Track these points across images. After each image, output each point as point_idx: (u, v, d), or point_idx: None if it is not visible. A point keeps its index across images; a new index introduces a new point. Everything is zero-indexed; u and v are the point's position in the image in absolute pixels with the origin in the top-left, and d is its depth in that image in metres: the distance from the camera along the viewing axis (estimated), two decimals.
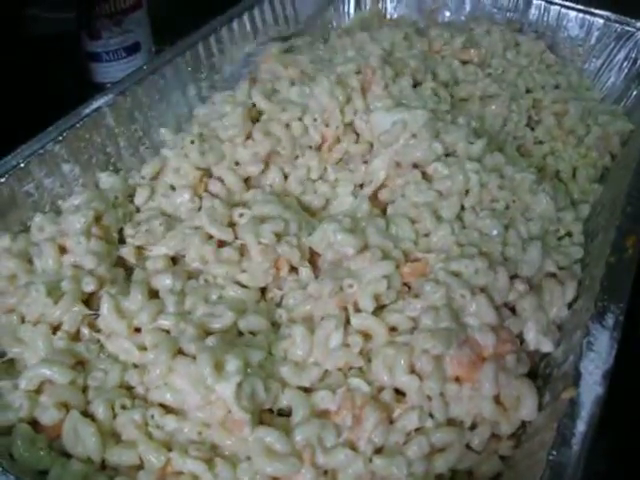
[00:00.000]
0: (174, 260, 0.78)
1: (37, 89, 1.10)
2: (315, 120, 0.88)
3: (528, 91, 1.01)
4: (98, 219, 0.76)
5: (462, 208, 0.79)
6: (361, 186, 0.86)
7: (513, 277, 0.72)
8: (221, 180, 0.84)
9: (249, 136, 0.87)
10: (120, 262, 0.78)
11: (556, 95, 1.00)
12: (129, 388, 0.67)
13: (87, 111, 0.85)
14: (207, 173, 0.85)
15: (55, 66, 1.17)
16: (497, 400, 0.64)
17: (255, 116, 0.90)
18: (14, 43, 1.14)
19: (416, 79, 0.95)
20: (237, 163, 0.86)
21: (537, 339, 0.69)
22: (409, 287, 0.73)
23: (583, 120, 0.98)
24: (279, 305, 0.74)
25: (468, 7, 1.18)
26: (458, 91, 0.99)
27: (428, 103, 0.90)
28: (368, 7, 1.26)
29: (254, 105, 0.90)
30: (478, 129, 0.89)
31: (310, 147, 0.88)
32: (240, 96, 0.92)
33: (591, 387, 0.59)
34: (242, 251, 0.76)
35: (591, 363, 0.61)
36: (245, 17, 1.05)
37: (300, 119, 0.88)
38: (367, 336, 0.68)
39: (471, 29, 1.10)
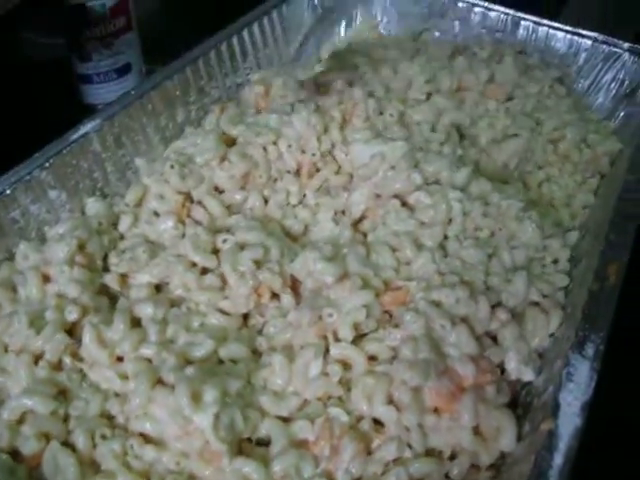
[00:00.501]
0: (158, 287, 0.78)
1: (30, 113, 1.10)
2: (290, 146, 0.88)
3: (537, 123, 0.99)
4: (82, 247, 0.77)
5: (445, 237, 0.79)
6: (343, 212, 0.86)
7: (495, 306, 0.72)
8: (203, 205, 0.85)
9: (224, 158, 0.88)
10: (104, 290, 0.78)
11: (557, 122, 0.99)
12: (110, 417, 0.67)
13: (74, 137, 0.85)
14: (189, 198, 0.85)
15: (49, 90, 1.17)
16: (476, 431, 0.64)
17: (231, 141, 0.91)
18: (8, 68, 1.14)
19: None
20: (216, 188, 0.87)
21: (518, 369, 0.69)
22: (390, 315, 0.73)
23: (578, 145, 0.97)
24: (260, 332, 0.75)
25: (457, 27, 1.18)
26: (475, 133, 0.98)
27: (414, 136, 0.90)
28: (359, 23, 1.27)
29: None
30: (464, 157, 0.90)
31: (288, 172, 0.89)
32: (208, 125, 0.95)
33: (570, 418, 0.59)
34: (224, 278, 0.76)
35: (570, 394, 0.60)
36: (234, 40, 1.05)
37: (274, 143, 0.89)
38: (347, 365, 0.68)
39: (474, 53, 1.10)
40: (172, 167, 0.84)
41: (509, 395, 0.68)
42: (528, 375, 0.69)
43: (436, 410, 0.65)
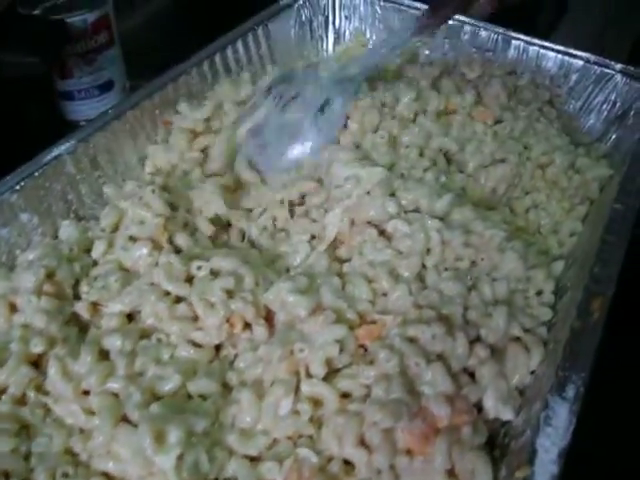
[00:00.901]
0: (131, 317, 0.76)
1: (9, 130, 1.08)
2: None
3: (525, 147, 0.97)
4: (51, 275, 0.74)
5: (424, 267, 0.77)
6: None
7: (474, 341, 0.70)
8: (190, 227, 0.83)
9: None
10: (75, 318, 0.76)
11: (545, 147, 0.96)
12: (74, 455, 0.65)
13: (47, 159, 0.83)
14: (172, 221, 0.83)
15: (27, 107, 1.15)
16: (451, 473, 0.62)
17: None
18: None
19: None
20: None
21: (496, 407, 0.66)
22: (365, 349, 0.70)
23: (567, 170, 0.95)
24: (232, 365, 0.72)
25: (447, 45, 1.16)
26: (463, 158, 0.95)
27: (400, 160, 0.88)
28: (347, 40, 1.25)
29: None
30: (448, 184, 0.88)
31: None
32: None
33: (546, 466, 0.56)
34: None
35: (547, 439, 0.58)
36: (217, 58, 1.03)
37: None
38: (318, 403, 0.66)
39: (462, 73, 1.08)
40: (153, 192, 0.82)
41: (486, 435, 0.65)
42: (507, 414, 0.66)
43: (409, 451, 0.63)
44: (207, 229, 0.83)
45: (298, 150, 0.93)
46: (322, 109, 0.94)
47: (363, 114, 0.93)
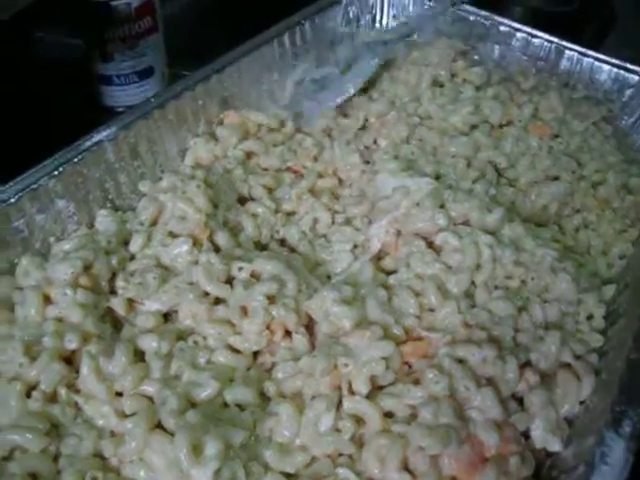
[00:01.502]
0: (167, 316, 0.73)
1: (45, 114, 1.05)
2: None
3: (579, 164, 0.94)
4: (88, 267, 0.72)
5: (473, 284, 0.74)
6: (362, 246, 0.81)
7: (523, 366, 0.67)
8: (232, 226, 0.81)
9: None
10: (109, 314, 0.73)
11: (599, 164, 0.93)
12: (104, 459, 0.62)
13: (87, 145, 0.81)
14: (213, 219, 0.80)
15: (65, 90, 1.12)
16: None
17: None
18: (21, 67, 1.10)
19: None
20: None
21: (544, 437, 0.64)
22: (409, 366, 0.68)
23: (619, 190, 0.92)
24: (269, 372, 0.69)
25: (497, 52, 1.13)
26: (514, 172, 0.93)
27: (446, 170, 0.85)
28: None
29: None
30: (498, 197, 0.85)
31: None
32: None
33: None
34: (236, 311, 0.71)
35: (603, 478, 0.55)
36: (265, 50, 1.00)
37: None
38: (360, 421, 0.63)
39: (517, 83, 1.05)
40: (198, 187, 0.79)
41: (534, 467, 0.62)
42: (555, 445, 0.64)
43: (453, 479, 0.60)
44: (253, 231, 0.81)
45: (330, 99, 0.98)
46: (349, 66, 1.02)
47: (391, 127, 0.92)
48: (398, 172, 0.82)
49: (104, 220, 0.80)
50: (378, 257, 0.79)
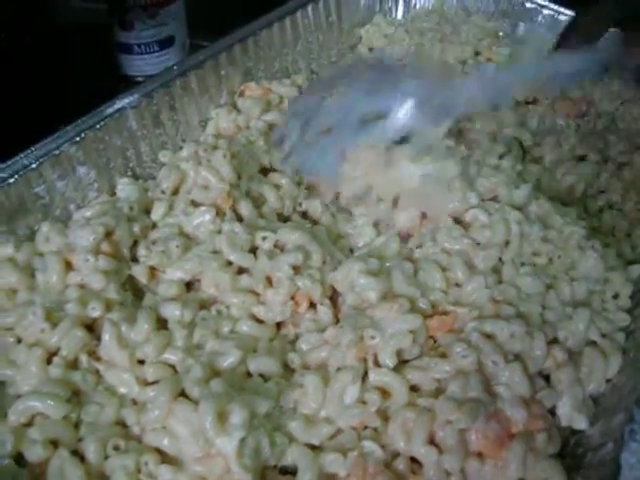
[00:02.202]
0: (189, 285, 0.73)
1: (65, 78, 1.04)
2: None
3: (605, 143, 0.92)
4: (109, 234, 0.71)
5: (500, 260, 0.73)
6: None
7: (551, 343, 0.66)
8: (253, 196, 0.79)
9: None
10: (131, 282, 0.72)
11: (626, 145, 0.92)
12: (125, 426, 0.61)
13: (109, 111, 0.80)
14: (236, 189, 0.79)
15: (85, 56, 1.11)
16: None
17: None
18: (43, 30, 1.08)
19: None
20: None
21: (571, 415, 0.63)
22: (434, 340, 0.67)
23: None
24: (293, 344, 0.69)
25: (522, 30, 1.11)
26: (539, 150, 0.91)
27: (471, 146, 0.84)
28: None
29: None
30: (524, 173, 0.83)
31: None
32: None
33: None
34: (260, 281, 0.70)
35: (633, 456, 0.54)
36: (287, 21, 0.99)
37: None
38: (385, 393, 0.62)
39: None
40: (224, 157, 0.78)
41: (560, 444, 0.62)
42: (582, 424, 0.63)
43: (480, 455, 0.59)
44: (276, 202, 0.80)
45: None
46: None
47: None
48: (420, 158, 0.80)
49: (125, 188, 0.79)
50: (402, 237, 0.78)
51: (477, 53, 1.02)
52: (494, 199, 0.77)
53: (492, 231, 0.73)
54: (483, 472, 0.58)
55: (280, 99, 0.94)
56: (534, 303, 0.68)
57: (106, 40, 1.09)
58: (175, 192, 0.79)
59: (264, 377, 0.65)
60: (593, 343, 0.68)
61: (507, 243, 0.74)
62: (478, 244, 0.74)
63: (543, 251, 0.74)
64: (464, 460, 0.58)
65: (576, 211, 0.83)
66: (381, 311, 0.66)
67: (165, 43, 1.09)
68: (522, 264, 0.73)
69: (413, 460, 0.60)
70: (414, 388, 0.63)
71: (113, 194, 0.80)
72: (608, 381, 0.66)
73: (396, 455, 0.60)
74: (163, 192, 0.78)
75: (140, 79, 1.04)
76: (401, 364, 0.64)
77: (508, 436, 0.59)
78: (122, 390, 0.63)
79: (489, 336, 0.64)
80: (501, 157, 0.85)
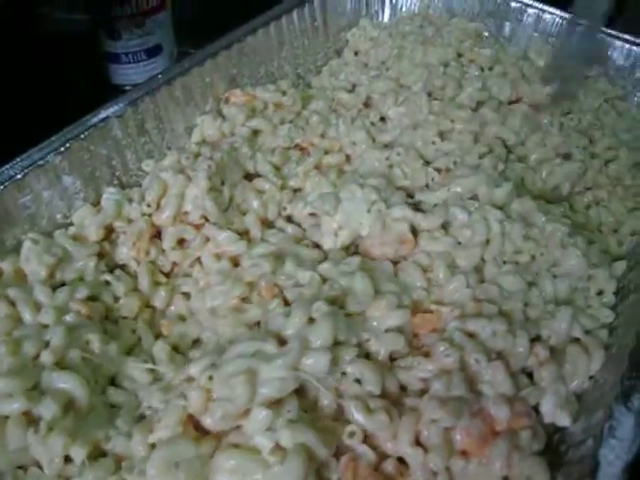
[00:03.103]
0: None
1: (53, 89, 1.05)
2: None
3: (590, 140, 0.93)
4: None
5: (482, 259, 0.74)
6: None
7: (534, 340, 0.66)
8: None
9: None
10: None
11: (611, 141, 0.92)
12: None
13: (94, 121, 0.80)
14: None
15: (72, 66, 1.12)
16: (506, 478, 0.59)
17: None
18: (27, 43, 1.09)
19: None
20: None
21: (554, 413, 0.63)
22: (418, 338, 0.67)
23: (631, 168, 0.90)
24: None
25: (507, 29, 1.11)
26: (524, 149, 0.92)
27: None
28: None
29: None
30: (507, 172, 0.84)
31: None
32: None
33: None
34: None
35: (611, 452, 0.54)
36: (271, 27, 1.00)
37: None
38: None
39: (532, 60, 1.04)
40: (209, 167, 0.79)
41: (544, 441, 0.62)
42: (564, 420, 0.63)
43: (464, 453, 0.59)
44: (259, 207, 0.81)
45: None
46: None
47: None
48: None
49: (110, 197, 0.79)
50: None
51: (459, 55, 1.02)
52: (474, 198, 0.78)
53: (472, 230, 0.73)
54: (468, 470, 0.58)
55: (265, 105, 0.94)
56: (516, 301, 0.69)
57: (93, 50, 1.09)
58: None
59: None
60: (576, 340, 0.68)
61: (488, 241, 0.74)
62: (459, 243, 0.74)
63: (525, 249, 0.74)
64: (449, 459, 0.58)
65: (561, 208, 0.83)
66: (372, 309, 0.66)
67: (153, 52, 1.10)
68: (504, 262, 0.74)
69: (400, 460, 0.60)
70: (402, 388, 0.64)
71: (98, 203, 0.80)
72: (591, 378, 0.66)
73: (384, 457, 0.60)
74: (149, 205, 0.78)
75: (128, 88, 1.04)
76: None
77: (492, 434, 0.59)
78: None
79: (471, 335, 0.65)
80: (482, 157, 0.86)
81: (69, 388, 0.61)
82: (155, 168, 0.83)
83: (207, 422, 0.57)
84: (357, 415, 0.59)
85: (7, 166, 0.74)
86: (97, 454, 0.60)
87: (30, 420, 0.59)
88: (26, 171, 0.74)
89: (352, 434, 0.59)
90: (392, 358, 0.65)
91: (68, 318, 0.67)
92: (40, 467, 0.58)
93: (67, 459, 0.58)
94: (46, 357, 0.63)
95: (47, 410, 0.59)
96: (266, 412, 0.56)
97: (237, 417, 0.57)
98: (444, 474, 0.58)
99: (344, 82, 1.03)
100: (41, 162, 0.75)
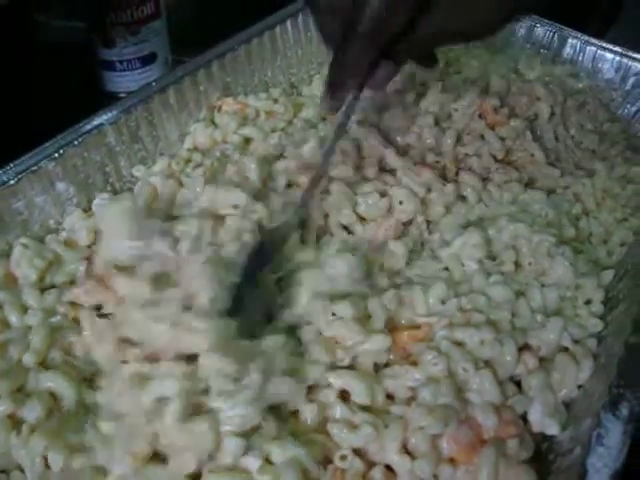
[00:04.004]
0: None
1: (46, 98, 1.05)
2: None
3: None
4: None
5: None
6: None
7: (522, 349, 0.67)
8: None
9: None
10: None
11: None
12: None
13: (87, 128, 0.81)
14: None
15: (65, 74, 1.12)
16: None
17: None
18: (23, 50, 1.09)
19: None
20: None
21: (542, 421, 0.63)
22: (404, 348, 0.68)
23: (620, 179, 0.91)
24: None
25: (499, 42, 1.12)
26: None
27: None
28: None
29: None
30: None
31: None
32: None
33: None
34: None
35: (599, 460, 0.54)
36: (265, 37, 1.00)
37: None
38: None
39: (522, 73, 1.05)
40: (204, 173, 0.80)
41: (532, 450, 0.62)
42: (553, 429, 0.63)
43: (452, 461, 0.60)
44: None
45: None
46: None
47: None
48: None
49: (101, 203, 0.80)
50: None
51: (448, 63, 1.03)
52: None
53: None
54: (456, 478, 0.59)
55: (257, 113, 0.95)
56: (504, 310, 0.69)
57: (88, 58, 1.10)
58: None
59: None
60: (565, 349, 0.69)
61: None
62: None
63: (511, 259, 0.75)
64: (437, 466, 0.59)
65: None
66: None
67: (147, 60, 1.10)
68: (489, 274, 0.74)
69: (388, 468, 0.60)
70: (389, 396, 0.64)
71: (90, 209, 0.81)
72: (579, 387, 0.67)
73: (372, 465, 0.60)
74: None
75: (123, 95, 1.04)
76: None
77: (480, 442, 0.60)
78: None
79: (459, 343, 0.65)
80: None
81: (55, 387, 0.61)
82: (145, 174, 0.83)
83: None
84: (342, 435, 0.60)
85: (0, 172, 0.74)
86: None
87: (14, 423, 0.60)
88: (20, 177, 0.74)
89: (344, 458, 0.59)
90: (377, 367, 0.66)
91: (53, 320, 0.68)
92: (22, 471, 0.58)
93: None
94: (28, 358, 0.63)
95: (31, 411, 0.59)
96: (235, 440, 0.56)
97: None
98: None
99: None
100: (35, 168, 0.76)
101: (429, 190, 0.81)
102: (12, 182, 0.74)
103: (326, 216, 0.79)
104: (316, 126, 0.93)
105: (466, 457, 0.59)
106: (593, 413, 0.59)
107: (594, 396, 0.63)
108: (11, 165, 0.75)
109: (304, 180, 0.78)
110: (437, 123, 0.91)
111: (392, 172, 0.84)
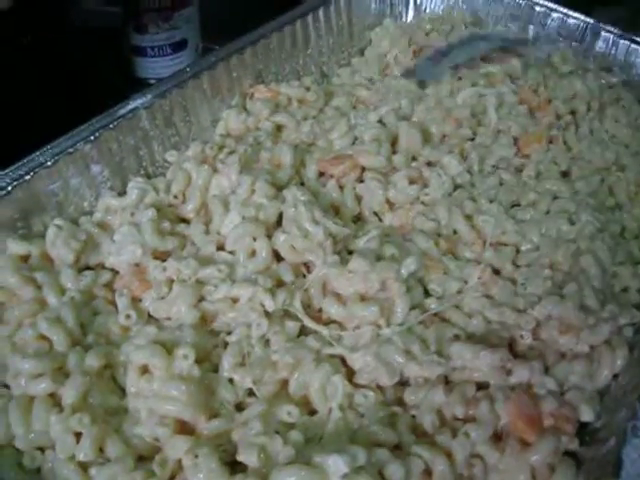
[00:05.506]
0: None
1: (80, 80, 1.06)
2: None
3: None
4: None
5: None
6: None
7: None
8: None
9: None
10: None
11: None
12: None
13: (122, 112, 0.81)
14: None
15: (100, 59, 1.13)
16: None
17: None
18: (60, 34, 1.10)
19: None
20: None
21: (578, 407, 0.63)
22: None
23: None
24: None
25: (532, 31, 1.12)
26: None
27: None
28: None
29: None
30: None
31: None
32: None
33: (633, 479, 0.53)
34: None
35: (635, 451, 0.54)
36: (297, 24, 1.00)
37: None
38: None
39: (552, 64, 1.05)
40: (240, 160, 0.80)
41: (577, 445, 0.61)
42: (588, 415, 0.63)
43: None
44: None
45: None
46: None
47: None
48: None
49: (136, 186, 0.80)
50: None
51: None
52: None
53: None
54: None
55: (289, 100, 0.95)
56: None
57: (120, 43, 1.10)
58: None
59: None
60: None
61: None
62: None
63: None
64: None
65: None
66: None
67: (178, 46, 1.11)
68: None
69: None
70: None
71: (124, 192, 0.81)
72: (614, 377, 0.67)
73: None
74: (175, 197, 0.79)
75: (153, 81, 1.05)
76: None
77: (539, 422, 0.60)
78: None
79: None
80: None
81: (92, 368, 0.62)
82: (179, 159, 0.84)
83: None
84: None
85: (37, 153, 0.75)
86: None
87: (54, 403, 0.60)
88: (56, 158, 0.75)
89: None
90: None
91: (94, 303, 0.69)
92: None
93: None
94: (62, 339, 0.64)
95: (71, 392, 0.59)
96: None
97: None
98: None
99: (364, 80, 1.04)
100: (71, 150, 0.76)
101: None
102: (49, 163, 0.74)
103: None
104: (347, 114, 0.93)
105: (528, 427, 0.60)
106: (627, 404, 0.59)
107: (628, 387, 0.63)
108: (48, 147, 0.75)
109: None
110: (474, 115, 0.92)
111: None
